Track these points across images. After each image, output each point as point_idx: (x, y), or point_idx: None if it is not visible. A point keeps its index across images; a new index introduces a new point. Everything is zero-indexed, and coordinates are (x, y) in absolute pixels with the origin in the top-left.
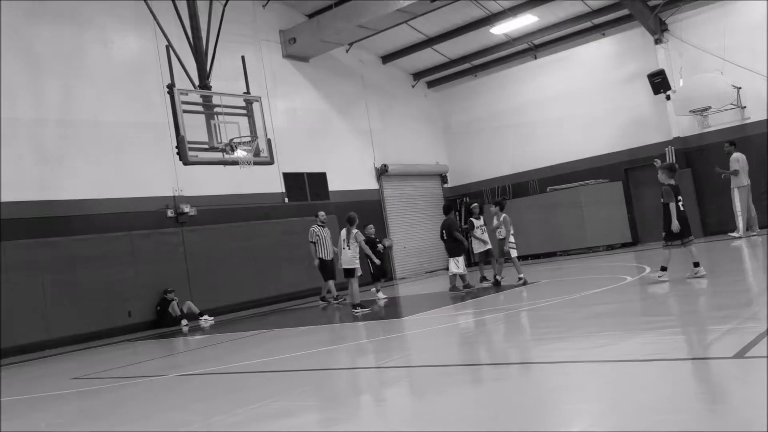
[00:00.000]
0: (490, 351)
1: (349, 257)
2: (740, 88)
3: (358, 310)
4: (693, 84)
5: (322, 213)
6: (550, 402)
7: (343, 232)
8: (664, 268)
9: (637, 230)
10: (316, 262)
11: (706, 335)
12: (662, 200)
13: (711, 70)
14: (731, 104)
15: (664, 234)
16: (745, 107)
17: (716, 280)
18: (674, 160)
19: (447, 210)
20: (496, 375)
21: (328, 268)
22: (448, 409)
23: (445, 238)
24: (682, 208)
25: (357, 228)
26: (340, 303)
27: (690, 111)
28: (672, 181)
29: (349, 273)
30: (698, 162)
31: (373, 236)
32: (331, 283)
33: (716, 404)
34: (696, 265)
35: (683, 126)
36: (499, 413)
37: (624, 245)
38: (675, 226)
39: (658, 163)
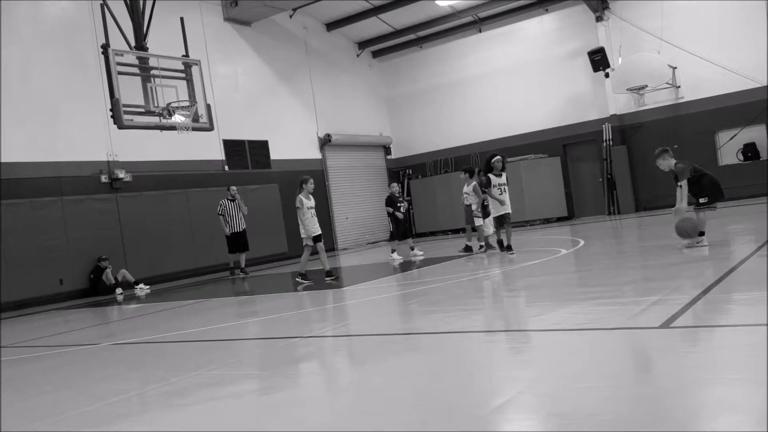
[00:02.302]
0: (427, 320)
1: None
2: (675, 67)
3: (299, 279)
4: (631, 62)
5: (233, 187)
6: (483, 369)
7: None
8: (701, 233)
9: (573, 205)
10: (227, 231)
11: (635, 306)
12: (678, 183)
13: (648, 50)
14: (666, 83)
15: (704, 200)
16: (679, 87)
17: (649, 254)
18: (610, 137)
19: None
20: (430, 344)
21: (234, 241)
22: (384, 377)
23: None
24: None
25: (303, 192)
26: (244, 276)
27: (627, 89)
28: (674, 160)
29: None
30: (633, 139)
31: (397, 194)
32: (240, 255)
33: (642, 372)
34: (702, 234)
35: (620, 104)
36: (433, 381)
37: (560, 219)
38: (684, 207)
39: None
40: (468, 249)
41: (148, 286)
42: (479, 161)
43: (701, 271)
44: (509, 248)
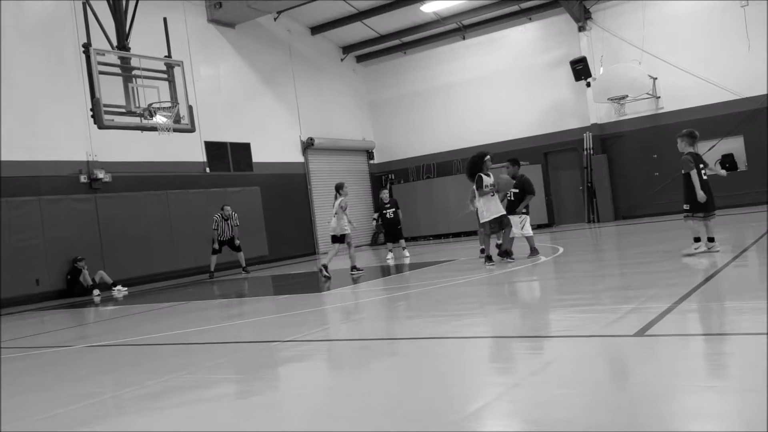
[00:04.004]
0: (405, 325)
1: (332, 225)
2: (656, 78)
3: (354, 272)
4: (612, 72)
5: (227, 207)
6: (459, 375)
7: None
8: (697, 239)
9: (553, 212)
10: (216, 245)
11: (611, 314)
12: (682, 171)
13: (629, 60)
14: (647, 94)
15: (687, 207)
16: (659, 97)
17: (627, 261)
18: (591, 146)
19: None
20: (408, 349)
21: (220, 247)
22: (362, 382)
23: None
24: (705, 177)
25: (343, 195)
26: (246, 274)
27: (608, 98)
28: (692, 149)
29: (336, 239)
30: (613, 148)
31: (385, 201)
32: (239, 254)
33: (617, 379)
34: (711, 240)
35: (601, 113)
36: (409, 386)
37: (540, 226)
38: (700, 195)
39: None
40: (506, 252)
41: (126, 288)
42: (461, 167)
43: (678, 279)
44: (508, 253)
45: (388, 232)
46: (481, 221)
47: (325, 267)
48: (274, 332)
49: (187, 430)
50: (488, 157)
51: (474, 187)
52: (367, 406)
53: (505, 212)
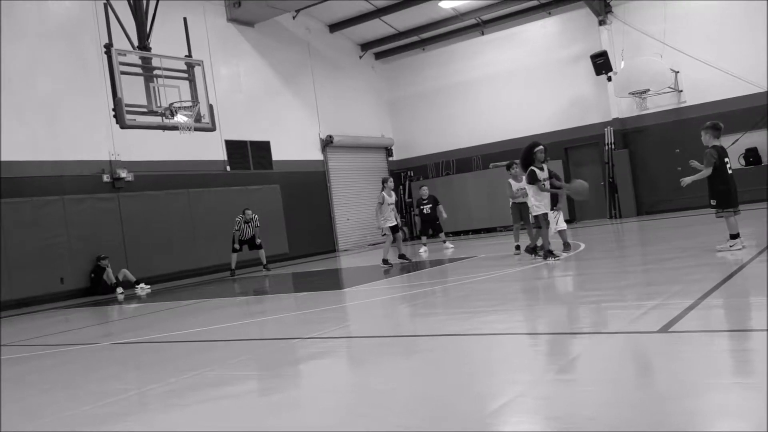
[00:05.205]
0: (427, 322)
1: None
2: (678, 72)
3: (383, 266)
4: (633, 66)
5: (248, 211)
6: (482, 372)
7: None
8: (733, 236)
9: (574, 208)
10: (237, 245)
11: (634, 310)
12: (704, 165)
13: (651, 54)
14: (668, 88)
15: (713, 202)
16: (681, 91)
17: (650, 257)
18: (612, 141)
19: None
20: (430, 346)
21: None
22: (383, 379)
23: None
24: (730, 172)
25: (386, 189)
26: (267, 272)
27: (629, 93)
28: (717, 143)
29: (394, 230)
30: (635, 143)
31: (423, 197)
32: (259, 252)
33: (641, 376)
34: (734, 237)
35: (622, 107)
36: (432, 383)
37: None
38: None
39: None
40: (534, 250)
41: (149, 286)
42: (481, 164)
43: (702, 275)
44: (541, 252)
45: (426, 227)
46: (535, 214)
47: (384, 261)
48: (296, 329)
49: (210, 428)
50: (539, 148)
51: (526, 182)
52: (390, 404)
53: (549, 210)
